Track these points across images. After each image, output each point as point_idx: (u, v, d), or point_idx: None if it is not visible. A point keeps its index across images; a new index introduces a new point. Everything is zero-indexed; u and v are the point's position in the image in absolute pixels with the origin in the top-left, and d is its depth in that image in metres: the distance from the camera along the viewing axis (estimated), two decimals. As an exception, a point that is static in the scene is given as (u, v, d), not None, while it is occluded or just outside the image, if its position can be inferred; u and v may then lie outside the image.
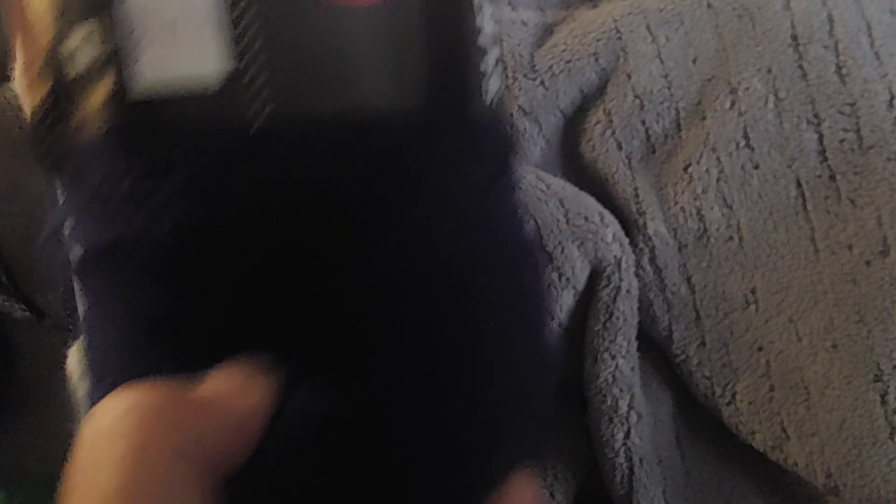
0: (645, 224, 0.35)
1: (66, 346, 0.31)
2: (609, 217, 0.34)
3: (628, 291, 0.33)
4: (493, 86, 0.22)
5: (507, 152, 0.23)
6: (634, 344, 0.34)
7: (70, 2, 0.19)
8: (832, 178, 0.33)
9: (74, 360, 0.32)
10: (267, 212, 0.19)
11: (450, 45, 0.21)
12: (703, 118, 0.35)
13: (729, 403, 0.34)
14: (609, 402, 0.33)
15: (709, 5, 0.36)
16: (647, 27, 0.36)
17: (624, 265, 0.33)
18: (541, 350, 0.23)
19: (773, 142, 0.34)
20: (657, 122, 0.36)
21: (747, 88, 0.34)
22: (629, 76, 0.35)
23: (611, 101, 0.36)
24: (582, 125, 0.37)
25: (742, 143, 0.34)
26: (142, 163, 0.19)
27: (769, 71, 0.34)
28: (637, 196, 0.35)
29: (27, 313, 0.41)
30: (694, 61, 0.35)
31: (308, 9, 0.19)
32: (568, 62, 0.36)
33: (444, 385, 0.20)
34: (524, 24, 0.38)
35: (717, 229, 0.34)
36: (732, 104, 0.34)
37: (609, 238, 0.34)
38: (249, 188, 0.19)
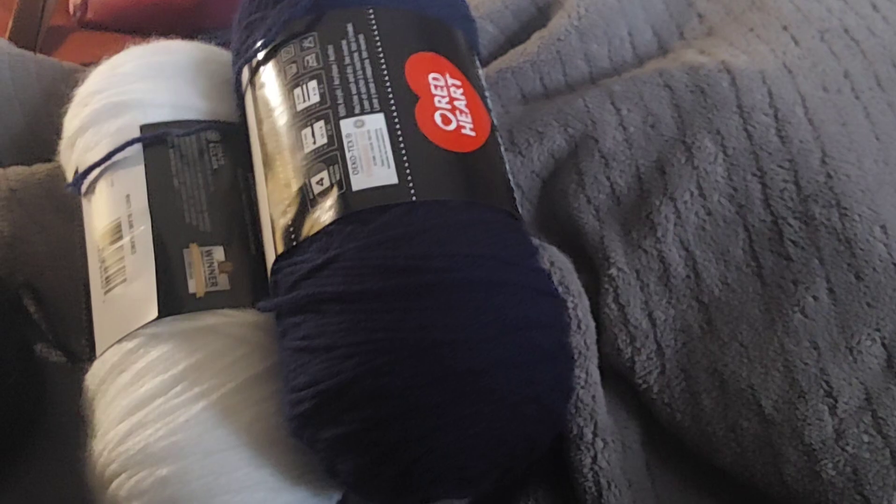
0: (608, 267, 0.39)
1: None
2: (558, 264, 0.38)
3: (578, 327, 0.36)
4: None
5: None
6: (595, 375, 0.36)
7: None
8: (775, 222, 0.37)
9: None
10: None
11: None
12: (662, 172, 0.39)
13: (689, 426, 0.36)
14: (575, 431, 0.35)
15: (665, 85, 0.41)
16: (612, 102, 0.41)
17: (571, 305, 0.37)
18: None
19: (722, 192, 0.38)
20: (620, 177, 0.40)
21: (700, 147, 0.39)
22: (596, 140, 0.41)
23: (581, 162, 0.41)
24: (557, 186, 0.42)
25: (696, 193, 0.38)
26: None
27: (718, 132, 0.39)
28: (603, 243, 0.39)
29: (63, 358, 0.45)
30: (652, 126, 0.41)
31: None
32: (541, 133, 0.42)
33: None
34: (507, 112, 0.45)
35: (676, 269, 0.38)
36: (687, 160, 0.39)
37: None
38: None
